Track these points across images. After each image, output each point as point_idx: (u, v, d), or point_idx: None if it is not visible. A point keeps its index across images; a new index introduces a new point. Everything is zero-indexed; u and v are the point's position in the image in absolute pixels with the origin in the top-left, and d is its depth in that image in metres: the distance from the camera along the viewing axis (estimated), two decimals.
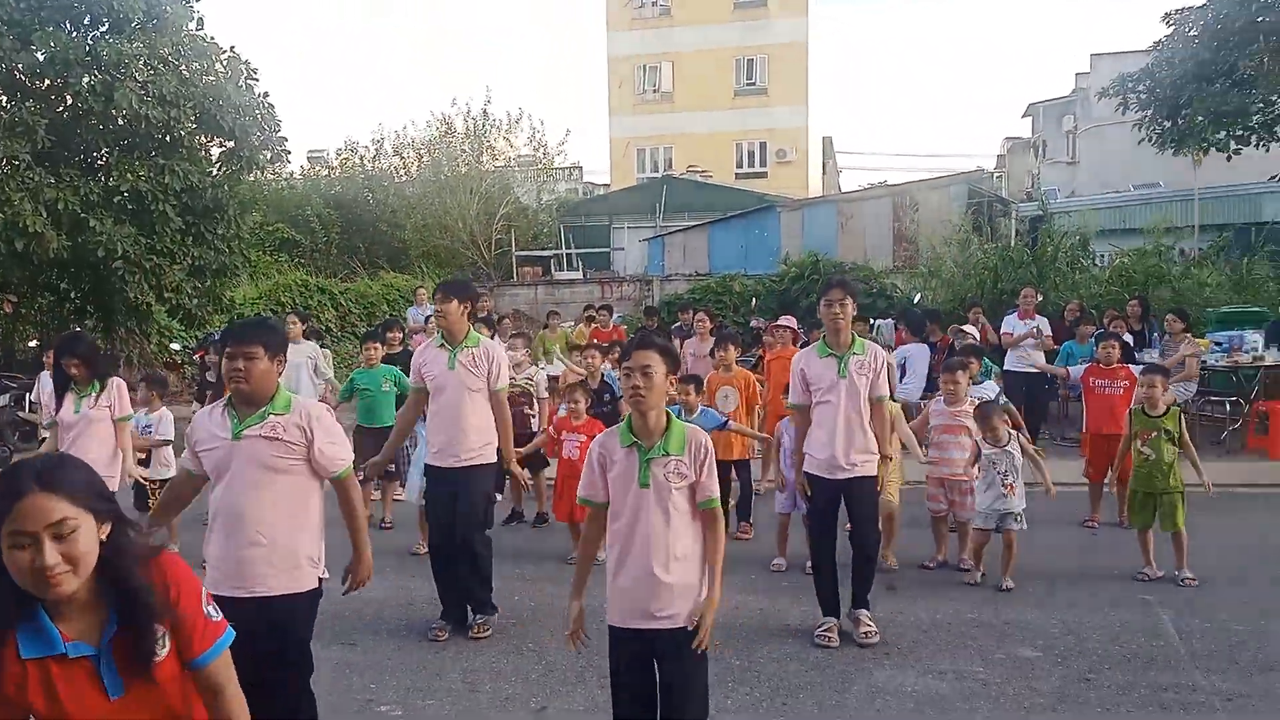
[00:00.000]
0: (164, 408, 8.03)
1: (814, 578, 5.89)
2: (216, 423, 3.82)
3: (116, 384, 6.34)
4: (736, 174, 35.44)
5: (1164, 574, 6.59)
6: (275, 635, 3.71)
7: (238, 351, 3.70)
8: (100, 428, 6.17)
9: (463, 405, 5.80)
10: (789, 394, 5.91)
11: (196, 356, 13.37)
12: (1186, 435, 6.78)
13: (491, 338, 9.78)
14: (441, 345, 5.89)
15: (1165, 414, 6.77)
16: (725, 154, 36.03)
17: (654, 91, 37.24)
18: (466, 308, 5.88)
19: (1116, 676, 5.08)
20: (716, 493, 3.59)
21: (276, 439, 3.74)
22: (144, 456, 7.76)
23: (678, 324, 14.05)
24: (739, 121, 36.27)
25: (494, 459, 5.98)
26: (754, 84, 36.47)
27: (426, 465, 6.06)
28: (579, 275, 25.75)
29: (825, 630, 5.66)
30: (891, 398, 7.99)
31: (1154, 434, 6.70)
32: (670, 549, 3.52)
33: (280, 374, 3.85)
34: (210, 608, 2.34)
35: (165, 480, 7.86)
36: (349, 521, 4.03)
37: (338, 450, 3.90)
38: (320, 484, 3.93)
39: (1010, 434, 6.77)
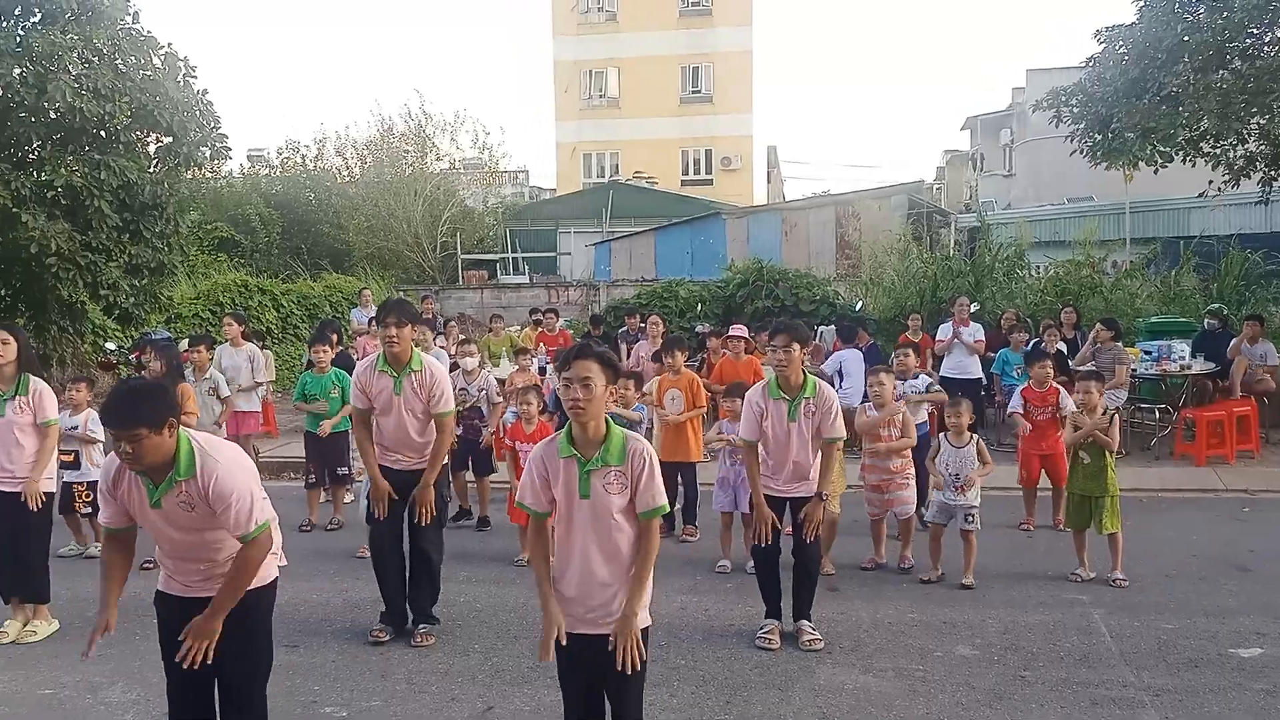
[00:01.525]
0: (90, 409, 7.83)
1: (757, 578, 5.96)
2: (135, 486, 3.62)
3: (39, 388, 5.97)
4: (682, 181, 35.63)
5: (1096, 575, 6.78)
6: (238, 631, 3.66)
7: (120, 435, 3.42)
8: (22, 432, 5.87)
9: (409, 425, 5.82)
10: (741, 427, 5.94)
11: (133, 357, 13.07)
12: (1114, 430, 6.97)
13: (434, 339, 9.78)
14: (384, 369, 5.79)
15: (1101, 417, 6.96)
16: (671, 161, 36.20)
17: (600, 97, 37.30)
18: (414, 331, 5.90)
19: (1051, 673, 5.23)
20: (660, 504, 3.56)
21: (191, 505, 3.58)
22: (70, 459, 7.57)
23: (624, 328, 14.08)
24: (685, 129, 36.49)
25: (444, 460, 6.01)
26: (699, 92, 36.72)
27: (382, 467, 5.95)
28: (525, 279, 25.68)
29: (766, 632, 5.74)
30: None
31: (1090, 439, 6.90)
32: (609, 558, 3.54)
33: (175, 428, 3.52)
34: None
35: (91, 482, 7.72)
36: (225, 579, 3.63)
37: (240, 515, 3.57)
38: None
39: (971, 435, 6.94)
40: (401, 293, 23.01)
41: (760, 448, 5.82)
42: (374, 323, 6.20)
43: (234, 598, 3.60)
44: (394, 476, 5.86)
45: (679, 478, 8.09)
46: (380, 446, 5.89)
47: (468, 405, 8.45)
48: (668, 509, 3.60)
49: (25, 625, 5.97)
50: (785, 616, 5.83)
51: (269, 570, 3.81)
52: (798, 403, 5.67)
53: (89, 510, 7.75)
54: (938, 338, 11.62)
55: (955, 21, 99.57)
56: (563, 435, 3.60)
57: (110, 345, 15.44)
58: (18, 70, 12.40)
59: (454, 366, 8.76)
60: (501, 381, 9.67)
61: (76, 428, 7.60)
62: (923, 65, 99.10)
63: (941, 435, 7.13)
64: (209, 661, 3.56)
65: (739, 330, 10.11)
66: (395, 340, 5.73)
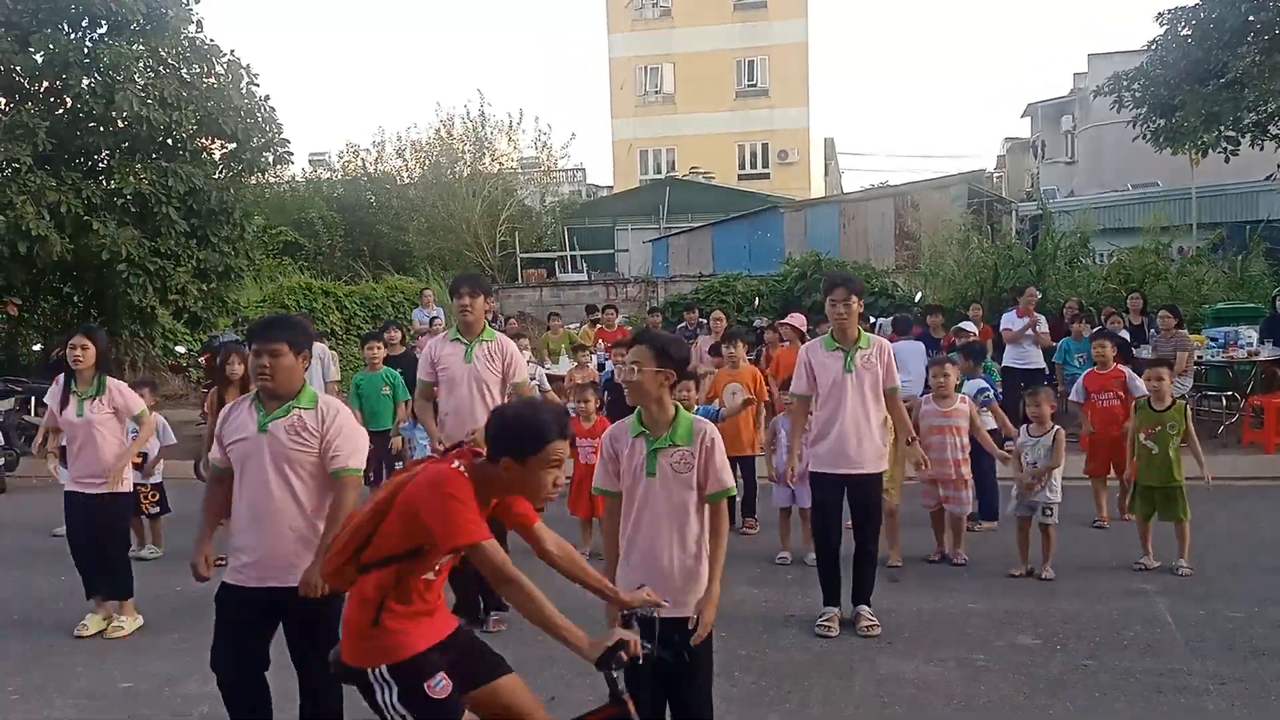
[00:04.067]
0: (155, 413, 8.11)
1: (817, 568, 5.99)
2: (244, 416, 3.92)
3: (115, 384, 6.25)
4: (739, 175, 35.56)
5: (1160, 564, 6.70)
6: (309, 621, 3.80)
7: (263, 349, 3.80)
8: (105, 430, 6.11)
9: (475, 400, 5.82)
10: (792, 384, 5.94)
11: (201, 359, 13.42)
12: (1192, 429, 6.86)
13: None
14: (456, 339, 5.94)
15: (1171, 408, 6.85)
16: (727, 155, 36.14)
17: (655, 93, 37.35)
18: (488, 304, 6.02)
19: (1114, 662, 5.19)
20: (727, 485, 3.62)
21: (299, 432, 3.83)
22: (139, 462, 7.79)
23: (682, 324, 14.12)
24: (740, 123, 36.38)
25: None
26: (755, 85, 36.58)
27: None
28: (584, 277, 25.84)
29: (826, 620, 5.75)
30: None
31: (1158, 428, 6.79)
32: (675, 538, 3.61)
33: (306, 369, 3.94)
34: None
35: (157, 484, 8.00)
36: (326, 520, 3.88)
37: (344, 447, 3.88)
38: None
39: (1052, 425, 6.84)
40: None
41: (813, 425, 5.79)
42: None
43: (332, 535, 3.76)
44: None
45: (738, 470, 8.12)
46: (446, 439, 5.90)
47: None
48: (734, 491, 3.64)
49: (111, 622, 6.18)
50: (844, 605, 5.84)
51: None
52: (852, 354, 5.62)
53: (156, 510, 8.04)
54: (1002, 326, 11.47)
55: (1015, 5, 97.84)
56: (635, 415, 3.70)
57: (180, 349, 15.90)
58: (86, 81, 12.82)
59: None
60: (561, 378, 9.80)
61: (137, 431, 7.86)
62: (981, 52, 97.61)
63: (1024, 425, 7.05)
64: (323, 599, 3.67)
65: (795, 319, 10.05)
66: (469, 309, 5.84)
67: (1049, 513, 6.70)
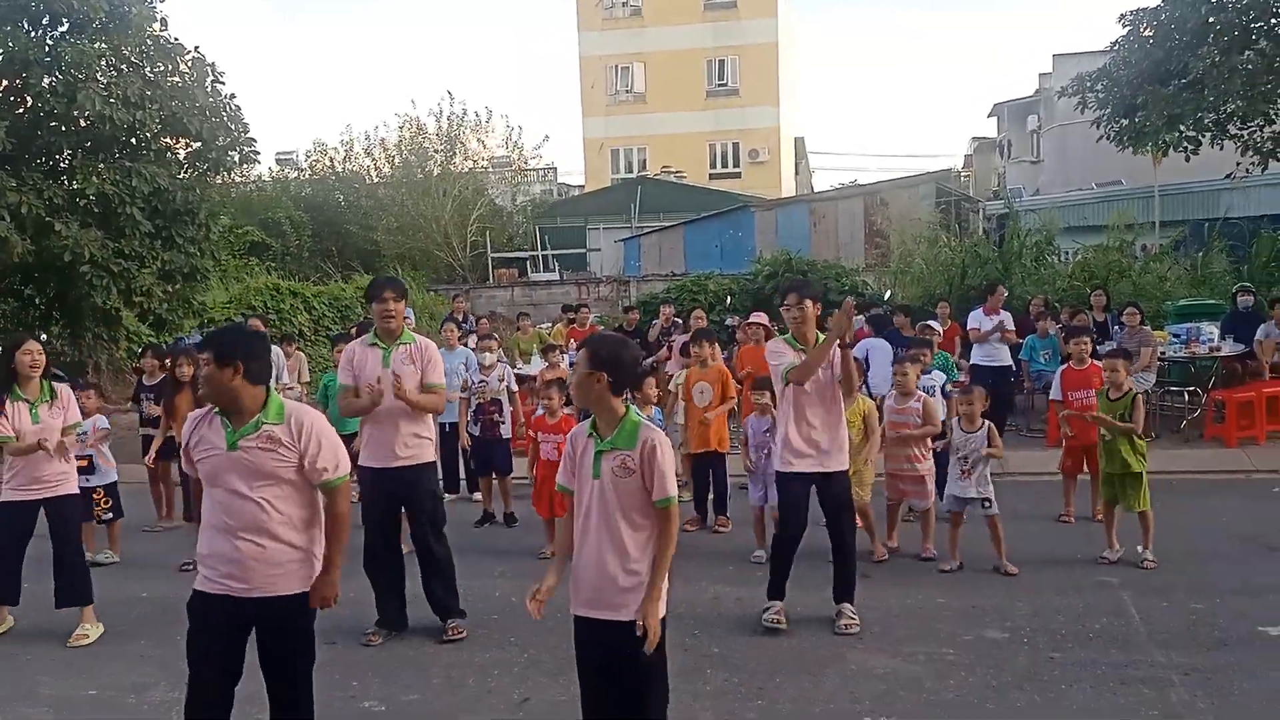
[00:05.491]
0: (99, 415, 8.10)
1: (770, 561, 6.00)
2: (211, 430, 3.81)
3: (63, 390, 6.22)
4: (710, 174, 35.68)
5: (1122, 549, 6.82)
6: (280, 631, 3.79)
7: (199, 358, 3.82)
8: (55, 437, 6.04)
9: (396, 404, 5.69)
10: (773, 376, 5.96)
11: (143, 363, 13.24)
12: (1138, 416, 6.92)
13: (464, 339, 9.90)
14: (375, 344, 5.81)
15: (1124, 396, 6.97)
16: (699, 155, 36.24)
17: (627, 92, 37.37)
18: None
19: (1080, 655, 5.26)
20: (671, 493, 3.58)
21: (273, 449, 3.73)
22: (84, 464, 7.58)
23: (657, 321, 14.09)
24: (712, 122, 36.50)
25: (433, 457, 6.01)
26: (725, 85, 36.71)
27: (360, 467, 5.86)
28: (555, 276, 25.82)
29: (775, 613, 5.78)
30: (868, 394, 8.19)
31: (1114, 416, 6.91)
32: (614, 542, 3.58)
33: (238, 374, 3.73)
34: None
35: (108, 485, 7.95)
36: (328, 533, 3.89)
37: (327, 460, 3.81)
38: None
39: (983, 422, 6.93)
40: (433, 292, 23.25)
41: (779, 422, 5.89)
42: (369, 300, 6.09)
43: (339, 549, 3.89)
44: (382, 477, 5.79)
45: (709, 470, 8.15)
46: (363, 446, 5.84)
47: (487, 398, 8.57)
48: (674, 501, 3.60)
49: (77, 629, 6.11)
50: (819, 603, 5.86)
51: (310, 575, 3.86)
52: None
53: (109, 516, 7.95)
54: (970, 325, 11.55)
55: (983, 6, 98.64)
56: (590, 419, 3.72)
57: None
58: (47, 80, 12.59)
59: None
60: (532, 378, 9.78)
61: (86, 433, 7.80)
62: (949, 53, 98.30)
63: (954, 420, 7.15)
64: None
65: (759, 317, 10.16)
66: (393, 314, 5.74)
67: (988, 505, 6.79)
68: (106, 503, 7.91)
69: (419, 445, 5.84)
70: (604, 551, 3.59)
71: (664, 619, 3.58)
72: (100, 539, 7.99)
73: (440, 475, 7.58)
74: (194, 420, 3.89)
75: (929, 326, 10.02)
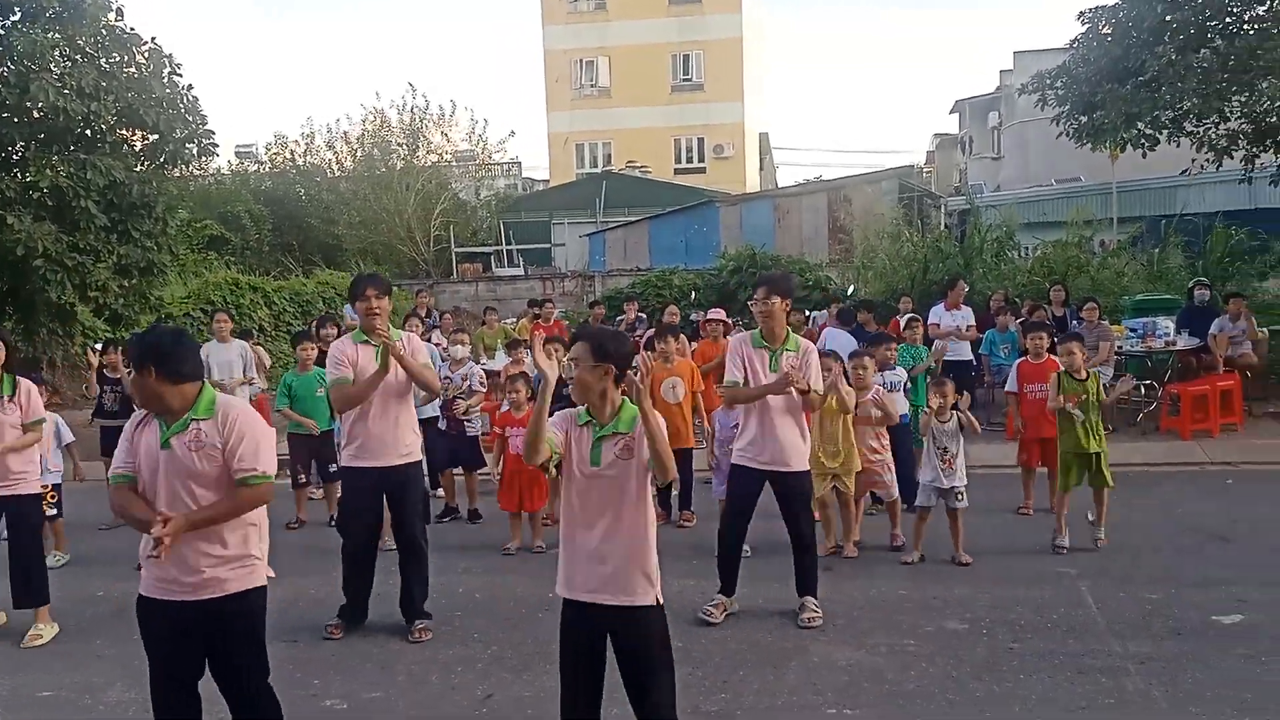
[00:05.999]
0: (49, 412, 7.93)
1: (717, 557, 6.01)
2: (149, 427, 3.75)
3: (26, 387, 6.06)
4: (675, 169, 35.73)
5: (1071, 529, 6.99)
6: (229, 634, 3.74)
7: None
8: (14, 431, 5.93)
9: (391, 401, 5.70)
10: (726, 373, 5.96)
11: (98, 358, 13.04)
12: (1103, 393, 7.23)
13: (427, 335, 9.84)
14: (364, 341, 5.76)
15: (1089, 378, 7.14)
16: (664, 149, 36.27)
17: (591, 87, 37.32)
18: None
19: (1038, 645, 5.34)
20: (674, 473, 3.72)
21: (200, 446, 3.66)
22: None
23: (621, 317, 14.12)
24: (677, 117, 36.54)
25: (421, 456, 6.07)
26: (690, 80, 36.76)
27: (346, 468, 5.86)
28: (520, 271, 25.74)
29: (712, 605, 5.83)
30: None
31: (1083, 396, 7.05)
32: (618, 525, 3.63)
33: (191, 376, 3.72)
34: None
35: (56, 485, 7.80)
36: (217, 505, 3.67)
37: (246, 451, 3.69)
38: None
39: (952, 411, 6.98)
40: (396, 287, 23.03)
41: (741, 419, 5.90)
42: (351, 300, 6.02)
43: (211, 520, 3.64)
44: (375, 476, 5.75)
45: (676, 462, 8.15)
46: (355, 447, 5.76)
47: (452, 395, 8.51)
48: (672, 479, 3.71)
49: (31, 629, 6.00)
50: (788, 598, 5.90)
51: (255, 576, 3.80)
52: (779, 354, 5.72)
53: (54, 513, 7.79)
54: (930, 321, 11.64)
55: (947, 5, 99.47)
56: (582, 407, 3.72)
57: (99, 346, 15.43)
58: None
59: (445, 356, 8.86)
60: (496, 373, 9.73)
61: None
62: (913, 50, 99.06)
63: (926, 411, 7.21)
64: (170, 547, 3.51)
65: (717, 313, 10.24)
66: (377, 312, 5.68)
67: (960, 497, 6.87)
68: (52, 497, 7.74)
69: (415, 442, 5.91)
70: (605, 536, 3.62)
71: (662, 609, 3.72)
72: (46, 542, 7.84)
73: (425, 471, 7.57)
74: (134, 422, 3.82)
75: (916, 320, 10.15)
